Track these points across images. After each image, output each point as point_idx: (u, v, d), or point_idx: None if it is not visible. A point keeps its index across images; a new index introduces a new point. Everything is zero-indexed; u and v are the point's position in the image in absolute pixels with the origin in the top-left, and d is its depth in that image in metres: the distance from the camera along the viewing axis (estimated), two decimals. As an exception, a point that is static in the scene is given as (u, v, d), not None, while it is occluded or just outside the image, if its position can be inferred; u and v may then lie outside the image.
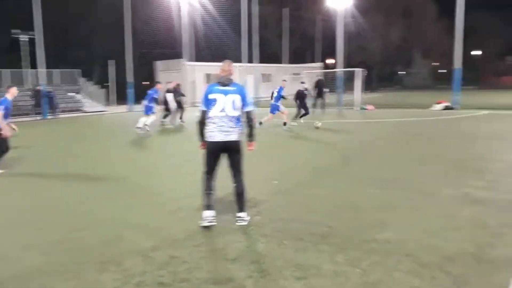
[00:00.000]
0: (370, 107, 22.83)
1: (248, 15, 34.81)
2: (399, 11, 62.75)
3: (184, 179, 7.30)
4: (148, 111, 14.38)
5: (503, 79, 58.23)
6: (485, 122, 14.80)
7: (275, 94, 14.40)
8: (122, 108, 29.24)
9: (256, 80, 31.73)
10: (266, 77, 43.63)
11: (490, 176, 6.82)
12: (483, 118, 16.33)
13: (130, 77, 28.94)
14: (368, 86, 41.22)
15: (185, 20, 33.13)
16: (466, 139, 10.93)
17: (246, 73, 37.98)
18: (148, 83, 45.54)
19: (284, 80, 14.90)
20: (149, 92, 14.82)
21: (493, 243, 4.08)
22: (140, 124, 14.05)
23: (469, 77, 56.87)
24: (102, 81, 36.87)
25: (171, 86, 17.02)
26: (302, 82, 16.77)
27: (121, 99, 33.12)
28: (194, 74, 35.16)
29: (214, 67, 39.56)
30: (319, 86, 21.41)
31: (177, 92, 16.84)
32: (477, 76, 61.06)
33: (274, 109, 14.32)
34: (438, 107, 21.01)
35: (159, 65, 39.96)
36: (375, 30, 57.43)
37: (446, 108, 20.73)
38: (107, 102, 32.28)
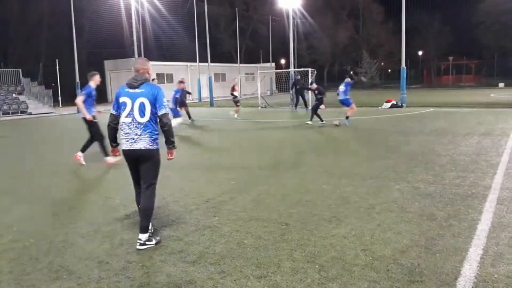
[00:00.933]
0: (322, 106, 23.33)
1: (200, 15, 34.50)
2: (347, 12, 64.69)
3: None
4: (174, 113, 14.35)
5: (444, 78, 61.54)
6: (430, 119, 15.54)
7: (342, 89, 14.34)
8: (71, 110, 28.10)
9: (209, 80, 31.47)
10: (220, 77, 43.51)
11: (436, 170, 7.16)
12: (428, 115, 17.15)
13: (78, 77, 27.87)
14: (320, 85, 42.04)
15: (134, 19, 32.32)
16: (414, 135, 11.42)
17: (199, 73, 37.68)
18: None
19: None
20: (173, 92, 14.89)
21: (442, 235, 4.29)
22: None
23: (413, 76, 59.67)
24: (48, 82, 35.24)
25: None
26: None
27: (70, 100, 31.81)
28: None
29: (166, 67, 38.99)
30: (297, 85, 22.01)
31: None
32: (420, 75, 64.21)
33: (348, 103, 14.30)
34: (387, 105, 21.81)
35: (108, 64, 38.83)
36: (324, 30, 58.84)
37: (394, 106, 21.55)
38: (55, 103, 30.90)
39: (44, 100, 28.65)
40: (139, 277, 3.58)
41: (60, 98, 33.35)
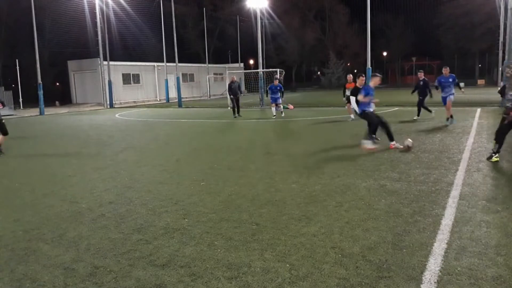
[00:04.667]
0: (290, 106, 23.56)
1: (166, 14, 34.06)
2: (314, 14, 65.49)
3: (103, 185, 6.96)
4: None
5: (407, 78, 63.35)
6: (395, 117, 15.93)
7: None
8: (32, 111, 27.16)
9: (177, 80, 31.10)
10: (188, 77, 43.12)
11: (401, 167, 7.34)
12: (393, 114, 17.59)
13: (40, 78, 26.94)
14: (288, 85, 42.46)
15: (99, 18, 31.59)
16: (379, 134, 11.66)
17: (167, 73, 37.23)
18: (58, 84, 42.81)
19: (509, 73, 14.51)
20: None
21: (408, 230, 4.40)
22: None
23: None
24: (8, 83, 33.92)
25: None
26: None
27: (31, 101, 30.78)
28: (111, 74, 33.65)
29: (133, 67, 38.27)
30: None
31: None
32: (385, 75, 65.81)
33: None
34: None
35: (72, 65, 37.81)
36: (291, 31, 59.38)
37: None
38: (16, 105, 29.78)
39: (3, 102, 27.52)
40: (107, 283, 3.50)
41: (21, 99, 32.18)
